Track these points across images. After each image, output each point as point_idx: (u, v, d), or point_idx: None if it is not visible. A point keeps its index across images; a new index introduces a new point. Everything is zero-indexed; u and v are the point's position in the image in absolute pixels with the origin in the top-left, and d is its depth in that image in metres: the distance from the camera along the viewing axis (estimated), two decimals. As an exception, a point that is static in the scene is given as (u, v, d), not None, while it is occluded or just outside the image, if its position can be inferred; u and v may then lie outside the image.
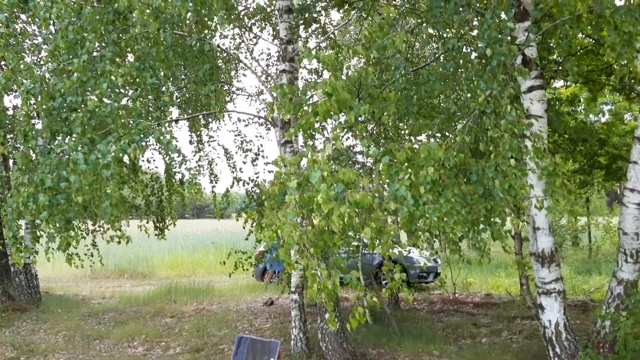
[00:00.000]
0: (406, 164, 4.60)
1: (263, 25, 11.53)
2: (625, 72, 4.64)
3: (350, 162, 8.29)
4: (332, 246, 4.50)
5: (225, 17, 5.94)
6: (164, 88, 7.97)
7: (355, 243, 5.53)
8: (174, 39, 6.97)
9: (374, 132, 10.14)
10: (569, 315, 6.73)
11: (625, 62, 4.32)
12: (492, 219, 4.71)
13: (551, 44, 10.18)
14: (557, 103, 12.87)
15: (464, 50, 5.57)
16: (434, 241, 5.36)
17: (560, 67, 11.70)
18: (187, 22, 6.61)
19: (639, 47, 4.56)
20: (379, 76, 6.83)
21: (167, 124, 7.00)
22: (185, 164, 6.99)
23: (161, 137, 6.00)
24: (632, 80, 12.98)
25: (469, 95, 5.44)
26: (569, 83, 14.22)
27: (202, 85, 6.91)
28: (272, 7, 11.17)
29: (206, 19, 6.31)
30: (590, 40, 11.45)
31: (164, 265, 22.92)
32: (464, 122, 4.77)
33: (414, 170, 4.44)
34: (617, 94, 13.72)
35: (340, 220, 4.06)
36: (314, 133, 5.56)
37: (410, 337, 9.37)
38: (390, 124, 9.69)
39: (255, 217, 5.13)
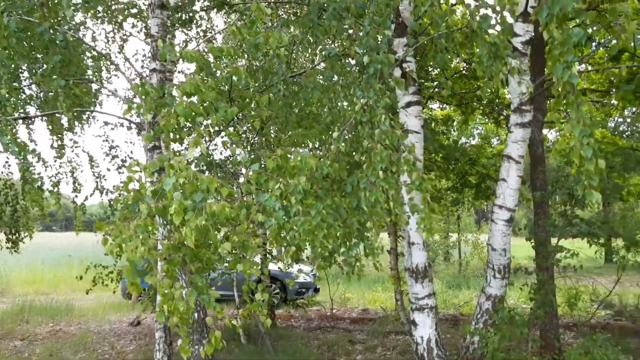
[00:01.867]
0: (277, 172, 4.22)
1: (136, 22, 10.71)
2: (491, 87, 4.60)
3: (223, 173, 7.75)
4: (191, 262, 3.97)
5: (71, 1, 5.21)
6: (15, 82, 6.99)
7: (228, 259, 5.04)
8: (20, 24, 6.08)
9: (255, 142, 9.70)
10: (440, 329, 6.73)
11: (492, 76, 4.28)
12: (365, 234, 4.44)
13: (429, 64, 10.50)
14: (432, 122, 13.33)
15: (342, 57, 5.34)
16: (303, 256, 5.01)
17: (436, 88, 12.17)
18: (35, 6, 5.76)
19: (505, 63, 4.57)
20: (261, 82, 6.41)
21: (7, 123, 6.03)
22: (29, 169, 6.08)
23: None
24: (500, 105, 13.87)
25: (345, 104, 5.20)
26: (444, 105, 14.90)
27: (50, 79, 6.03)
28: (146, 3, 10.42)
29: (55, 2, 5.52)
30: (465, 64, 12.01)
31: (21, 281, 20.62)
32: (339, 131, 4.49)
33: (285, 179, 4.06)
34: (487, 117, 14.53)
35: (198, 234, 3.56)
36: (179, 136, 5.03)
37: (285, 356, 8.98)
38: (272, 134, 9.32)
39: (107, 228, 4.44)
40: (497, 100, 13.54)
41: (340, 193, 4.44)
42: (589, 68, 12.76)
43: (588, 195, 3.29)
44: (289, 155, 4.19)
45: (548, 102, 8.31)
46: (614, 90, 11.80)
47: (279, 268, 11.28)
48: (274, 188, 4.07)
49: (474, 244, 24.90)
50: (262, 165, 4.39)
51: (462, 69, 12.78)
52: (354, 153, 4.76)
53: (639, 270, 14.91)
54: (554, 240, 7.25)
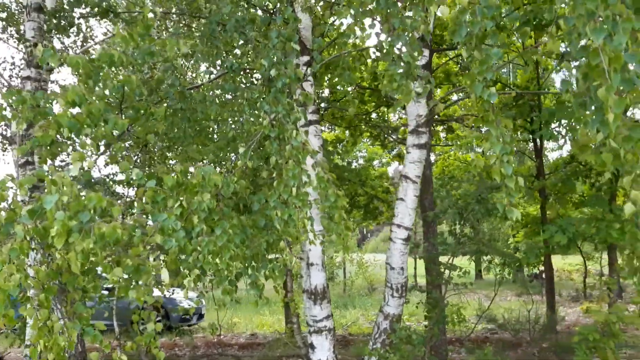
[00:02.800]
0: (176, 190, 3.85)
1: (5, 26, 9.64)
2: (400, 105, 4.62)
3: (103, 192, 7.08)
4: (73, 290, 3.46)
5: None
6: None
7: (109, 285, 4.52)
8: None
9: (139, 159, 9.05)
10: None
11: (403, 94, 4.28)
12: (272, 255, 4.18)
13: (322, 84, 10.58)
14: (324, 143, 13.45)
15: (244, 70, 5.10)
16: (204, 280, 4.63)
17: (326, 109, 12.32)
18: None
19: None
20: (154, 94, 5.95)
21: None
22: None
23: None
24: (387, 129, 14.38)
25: (251, 119, 4.95)
26: (334, 127, 15.14)
27: None
28: (20, 7, 9.45)
29: None
30: (357, 87, 12.27)
31: None
32: (246, 146, 4.22)
33: (187, 197, 3.70)
34: (374, 140, 14.96)
35: (84, 258, 3.09)
36: (57, 150, 4.48)
37: (171, 390, 8.32)
38: (156, 150, 8.75)
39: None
40: (384, 124, 14.04)
41: (246, 212, 4.16)
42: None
43: (509, 212, 3.34)
44: (190, 171, 3.84)
45: (433, 127, 8.70)
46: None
47: (161, 294, 10.55)
48: (174, 207, 3.70)
49: (358, 264, 25.41)
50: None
51: (350, 91, 13.04)
52: (259, 171, 4.50)
53: (510, 285, 15.98)
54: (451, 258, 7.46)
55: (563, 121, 7.27)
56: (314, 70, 5.77)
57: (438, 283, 7.32)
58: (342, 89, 10.86)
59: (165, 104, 4.78)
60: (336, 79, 10.86)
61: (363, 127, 14.26)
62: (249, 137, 4.53)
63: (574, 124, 2.97)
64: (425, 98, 6.42)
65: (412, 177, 6.41)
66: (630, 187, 2.84)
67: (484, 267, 11.42)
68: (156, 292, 11.16)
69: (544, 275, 16.23)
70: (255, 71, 5.74)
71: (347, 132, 14.31)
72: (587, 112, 2.90)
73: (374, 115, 14.01)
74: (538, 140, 12.16)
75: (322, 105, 11.79)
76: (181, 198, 3.74)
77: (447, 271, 7.11)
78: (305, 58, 6.28)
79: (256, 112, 4.63)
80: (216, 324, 13.19)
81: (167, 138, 6.28)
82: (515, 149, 3.42)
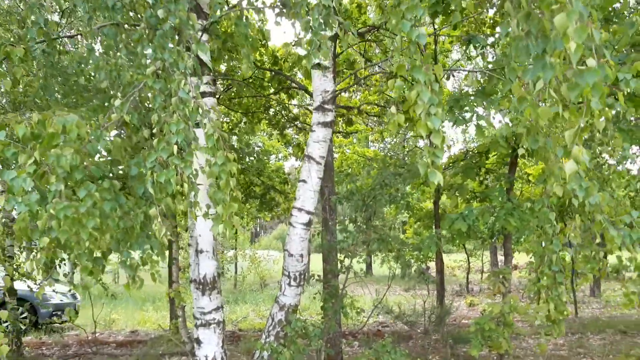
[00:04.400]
0: (31, 143, 3.05)
1: None
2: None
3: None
4: None
5: None
6: None
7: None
8: None
9: None
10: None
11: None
12: (151, 230, 3.47)
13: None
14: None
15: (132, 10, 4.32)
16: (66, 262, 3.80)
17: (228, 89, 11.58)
18: None
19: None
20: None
21: None
22: None
23: None
24: (285, 119, 13.89)
25: (130, 68, 4.15)
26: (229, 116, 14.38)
27: None
28: None
29: None
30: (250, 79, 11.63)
31: None
32: (125, 98, 3.48)
33: (42, 151, 2.92)
34: (273, 128, 14.39)
35: None
36: None
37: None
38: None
39: None
40: (284, 112, 13.55)
41: (122, 175, 3.42)
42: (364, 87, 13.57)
43: (431, 175, 2.92)
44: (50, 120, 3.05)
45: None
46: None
47: (28, 287, 9.23)
48: (26, 163, 2.90)
49: (251, 259, 24.75)
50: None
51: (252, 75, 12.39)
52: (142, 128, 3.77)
53: (398, 280, 16.16)
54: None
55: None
56: (205, 38, 5.09)
57: (336, 272, 6.93)
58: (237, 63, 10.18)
59: (23, 46, 3.86)
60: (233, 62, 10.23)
61: (261, 114, 13.64)
62: (128, 88, 3.78)
63: (508, 77, 2.57)
64: (332, 73, 5.99)
65: (316, 157, 5.94)
66: (572, 142, 2.53)
67: (380, 260, 11.35)
68: (21, 285, 9.81)
69: (429, 271, 16.68)
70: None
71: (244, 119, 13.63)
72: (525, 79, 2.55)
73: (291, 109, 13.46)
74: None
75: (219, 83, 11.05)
76: (36, 153, 2.94)
77: (347, 260, 6.73)
78: (202, 22, 5.59)
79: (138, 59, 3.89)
80: (92, 320, 11.91)
81: (34, 88, 5.25)
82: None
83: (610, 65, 2.36)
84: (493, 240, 9.63)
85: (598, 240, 3.97)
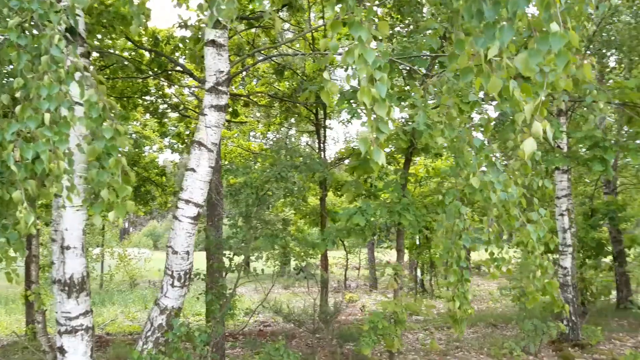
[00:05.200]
0: None
1: None
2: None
3: None
4: None
5: None
6: None
7: None
8: None
9: None
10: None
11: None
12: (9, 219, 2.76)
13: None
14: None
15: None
16: None
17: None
18: None
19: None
20: None
21: None
22: None
23: None
24: (166, 106, 12.97)
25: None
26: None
27: None
28: None
29: None
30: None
31: None
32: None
33: None
34: (152, 115, 13.35)
35: None
36: None
37: None
38: None
39: None
40: (164, 98, 12.62)
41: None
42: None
43: (375, 153, 2.56)
44: None
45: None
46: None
47: None
48: None
49: (120, 257, 23.07)
50: None
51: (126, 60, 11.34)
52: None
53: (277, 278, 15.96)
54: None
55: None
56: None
57: (225, 271, 6.41)
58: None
59: None
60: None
61: (137, 100, 12.59)
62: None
63: (455, 49, 2.27)
64: (227, 51, 5.47)
65: (207, 143, 5.38)
66: (532, 116, 2.31)
67: (265, 257, 10.96)
68: None
69: (307, 269, 16.61)
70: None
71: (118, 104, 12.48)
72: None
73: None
74: (322, 130, 12.22)
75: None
76: None
77: (236, 257, 6.25)
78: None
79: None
80: None
81: None
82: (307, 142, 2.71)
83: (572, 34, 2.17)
84: (374, 236, 9.64)
85: (506, 236, 3.94)
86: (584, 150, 7.42)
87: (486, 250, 4.18)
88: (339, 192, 11.77)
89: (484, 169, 3.73)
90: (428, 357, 8.97)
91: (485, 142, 3.75)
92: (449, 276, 4.02)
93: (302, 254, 10.48)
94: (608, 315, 13.02)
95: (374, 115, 2.50)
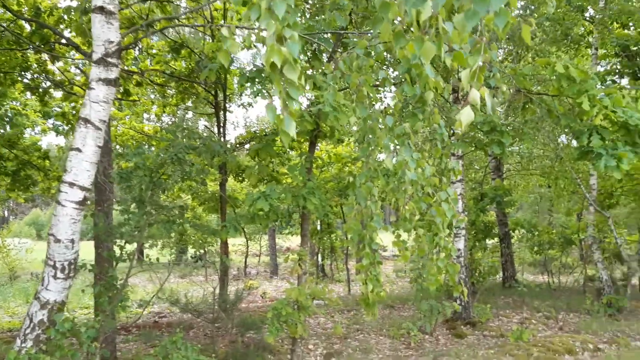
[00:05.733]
0: None
1: None
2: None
3: None
4: None
5: None
6: None
7: None
8: None
9: None
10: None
11: None
12: None
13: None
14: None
15: None
16: None
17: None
18: None
19: None
20: None
21: None
22: None
23: None
24: (50, 82, 11.85)
25: None
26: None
27: None
28: None
29: None
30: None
31: None
32: None
33: None
34: (33, 92, 12.13)
35: None
36: None
37: None
38: None
39: None
40: (46, 75, 11.50)
41: None
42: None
43: (286, 123, 2.30)
44: None
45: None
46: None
47: None
48: None
49: (-3, 247, 21.08)
50: None
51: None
52: None
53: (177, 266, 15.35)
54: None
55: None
56: None
57: (115, 261, 5.92)
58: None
59: None
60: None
61: (15, 76, 11.41)
62: None
63: (379, 14, 2.08)
64: (117, 20, 4.98)
65: (94, 120, 4.87)
66: (469, 83, 2.19)
67: (160, 246, 10.40)
68: None
69: (207, 257, 16.14)
70: None
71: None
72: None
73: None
74: (222, 113, 11.76)
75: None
76: None
77: (128, 245, 5.78)
78: None
79: None
80: None
81: None
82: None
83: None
84: (276, 222, 9.47)
85: (417, 217, 3.92)
86: (480, 134, 7.72)
87: (393, 232, 4.16)
88: (240, 178, 11.42)
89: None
90: (329, 341, 9.00)
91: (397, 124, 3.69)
92: (362, 259, 3.94)
93: (200, 241, 10.09)
94: (495, 293, 13.90)
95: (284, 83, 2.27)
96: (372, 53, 3.84)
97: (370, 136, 3.64)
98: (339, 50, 6.74)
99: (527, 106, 6.59)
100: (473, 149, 9.60)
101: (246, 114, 39.09)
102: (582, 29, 13.20)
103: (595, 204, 12.22)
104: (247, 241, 21.39)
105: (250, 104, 13.64)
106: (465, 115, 2.18)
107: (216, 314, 7.53)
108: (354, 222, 3.89)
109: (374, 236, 3.89)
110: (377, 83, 4.90)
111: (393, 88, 6.70)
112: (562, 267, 16.27)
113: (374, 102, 3.84)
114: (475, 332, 9.78)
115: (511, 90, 5.96)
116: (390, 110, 3.95)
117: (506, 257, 15.77)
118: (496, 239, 16.23)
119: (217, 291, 8.94)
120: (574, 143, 8.74)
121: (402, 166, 3.39)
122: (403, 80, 3.86)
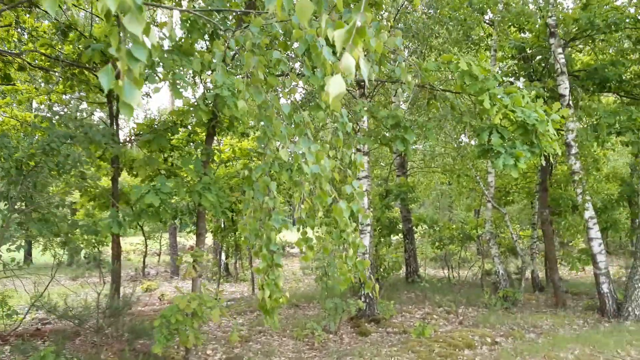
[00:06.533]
0: None
1: None
2: None
3: None
4: None
5: None
6: None
7: None
8: None
9: None
10: None
11: None
12: None
13: None
14: None
15: None
16: None
17: None
18: None
19: None
20: None
21: None
22: None
23: None
24: None
25: None
26: None
27: None
28: None
29: None
30: None
31: None
32: None
33: None
34: None
35: None
36: None
37: None
38: None
39: None
40: None
41: None
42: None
43: (127, 90, 1.80)
44: None
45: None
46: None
47: None
48: None
49: None
50: None
51: None
52: None
53: (65, 268, 14.20)
54: None
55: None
56: None
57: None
58: None
59: None
60: None
61: None
62: None
63: None
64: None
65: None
66: (342, 46, 1.80)
67: (42, 246, 9.41)
68: None
69: (98, 257, 15.00)
70: None
71: None
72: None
73: None
74: (114, 102, 10.86)
75: None
76: None
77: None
78: None
79: None
80: None
81: None
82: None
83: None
84: (175, 219, 8.84)
85: (321, 213, 3.59)
86: (385, 130, 7.62)
87: (298, 230, 3.81)
88: (134, 172, 10.60)
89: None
90: (229, 346, 8.53)
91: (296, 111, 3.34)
92: (259, 261, 3.55)
93: (94, 240, 9.20)
94: (399, 289, 14.05)
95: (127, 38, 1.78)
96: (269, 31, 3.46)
97: (265, 124, 3.27)
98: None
99: (431, 102, 6.54)
100: (377, 145, 9.53)
101: (145, 104, 37.22)
102: (482, 32, 13.67)
103: (493, 201, 12.68)
104: (145, 240, 20.28)
105: (148, 94, 12.73)
106: (335, 85, 1.80)
107: (101, 320, 6.82)
108: (250, 221, 3.50)
109: (272, 236, 3.52)
110: (280, 73, 4.54)
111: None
112: (462, 262, 16.86)
113: (274, 88, 3.48)
114: (379, 329, 9.73)
115: (417, 81, 5.84)
116: (288, 97, 3.60)
117: (409, 253, 16.06)
118: (400, 235, 16.49)
119: (109, 296, 8.21)
120: (475, 141, 8.90)
121: (298, 159, 3.05)
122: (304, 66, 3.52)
